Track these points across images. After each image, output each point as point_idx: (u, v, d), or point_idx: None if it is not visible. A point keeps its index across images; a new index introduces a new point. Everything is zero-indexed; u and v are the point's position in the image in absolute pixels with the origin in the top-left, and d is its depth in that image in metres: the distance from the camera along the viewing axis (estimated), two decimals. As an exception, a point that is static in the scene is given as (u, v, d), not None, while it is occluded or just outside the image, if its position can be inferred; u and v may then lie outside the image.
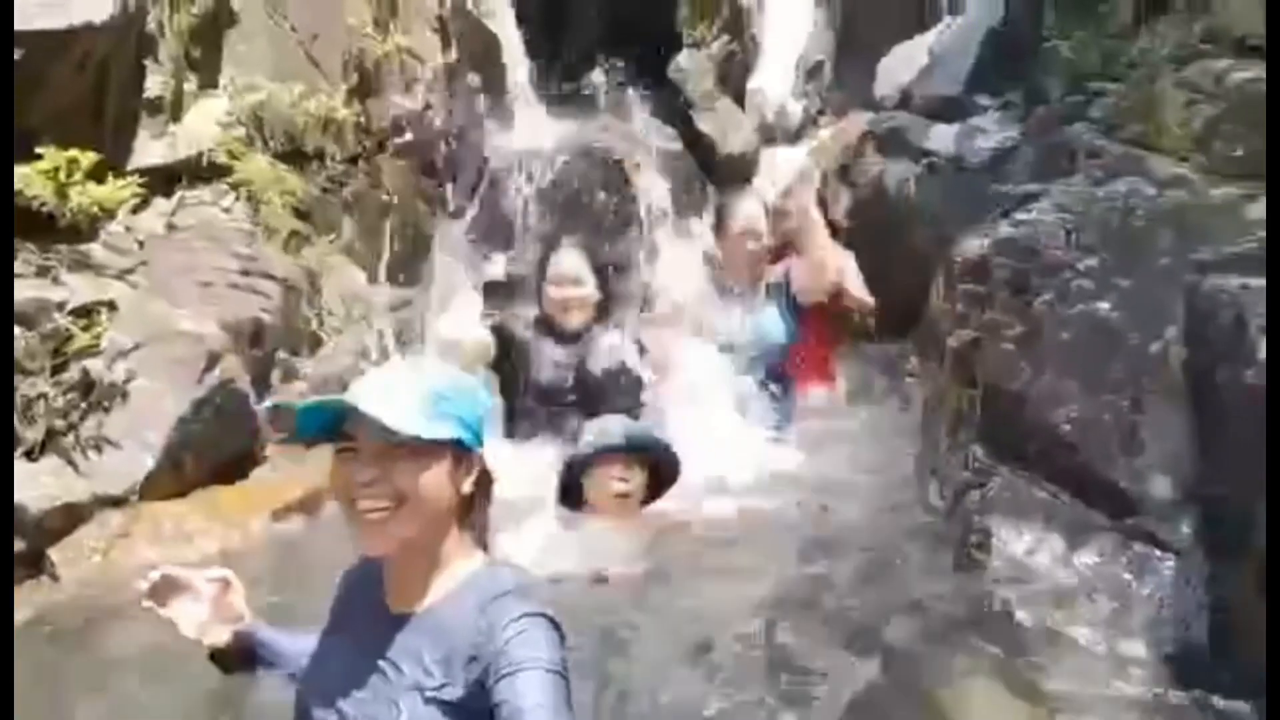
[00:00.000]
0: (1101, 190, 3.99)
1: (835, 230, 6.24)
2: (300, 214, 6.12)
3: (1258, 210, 3.68)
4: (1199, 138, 4.10)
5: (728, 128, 9.27)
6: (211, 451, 4.18)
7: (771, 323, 5.60)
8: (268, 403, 1.93)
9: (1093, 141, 5.01)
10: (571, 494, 3.92)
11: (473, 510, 1.93)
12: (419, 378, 1.89)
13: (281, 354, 4.77)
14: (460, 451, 1.88)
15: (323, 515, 4.35)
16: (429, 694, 1.77)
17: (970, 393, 4.02)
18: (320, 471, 4.50)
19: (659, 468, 3.92)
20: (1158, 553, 3.30)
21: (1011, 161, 6.58)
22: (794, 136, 9.75)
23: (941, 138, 7.19)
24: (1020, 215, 4.28)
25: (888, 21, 8.94)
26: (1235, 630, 3.15)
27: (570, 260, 5.41)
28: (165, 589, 2.12)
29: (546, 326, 5.26)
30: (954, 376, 4.18)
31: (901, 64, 8.72)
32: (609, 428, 3.98)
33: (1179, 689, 3.11)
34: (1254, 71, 4.20)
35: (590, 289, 5.31)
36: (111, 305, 4.07)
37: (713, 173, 9.07)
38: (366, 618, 1.92)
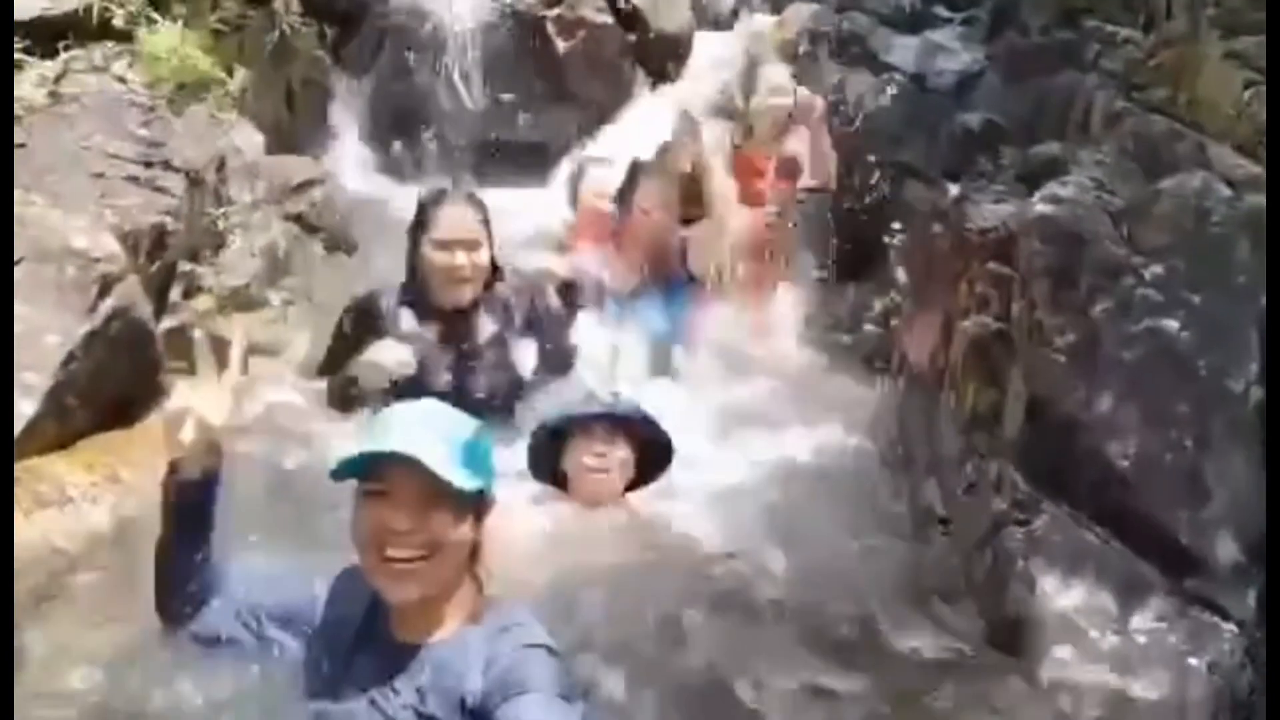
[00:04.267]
0: (1169, 181, 3.43)
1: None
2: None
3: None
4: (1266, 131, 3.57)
5: (660, 2, 8.40)
6: (102, 392, 3.37)
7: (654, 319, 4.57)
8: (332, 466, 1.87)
9: (1114, 102, 4.47)
10: (544, 466, 3.30)
11: (478, 549, 1.93)
12: (452, 426, 1.89)
13: (183, 264, 3.92)
14: (483, 499, 1.89)
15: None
16: (424, 714, 1.81)
17: (992, 393, 3.51)
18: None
19: (647, 446, 3.31)
20: (1219, 622, 2.87)
21: (976, 88, 6.06)
22: (726, 21, 8.95)
23: (902, 52, 6.58)
24: (1055, 188, 3.71)
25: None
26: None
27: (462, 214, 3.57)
28: None
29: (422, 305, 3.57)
30: (970, 369, 3.64)
31: (850, -46, 7.99)
32: (587, 392, 3.39)
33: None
34: (1332, 58, 3.67)
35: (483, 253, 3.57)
36: (-17, 212, 3.18)
37: (644, 53, 8.27)
38: (369, 643, 1.90)
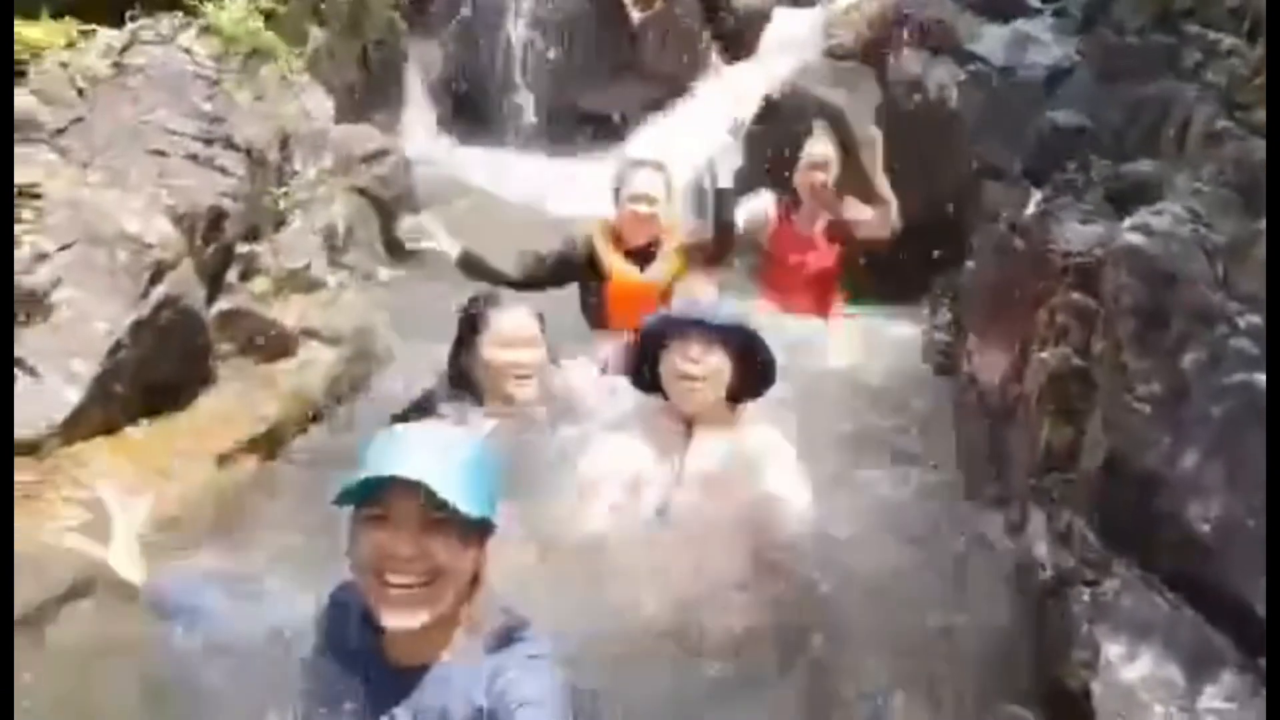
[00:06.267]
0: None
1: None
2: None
3: None
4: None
5: (742, -26, 8.11)
6: (149, 380, 3.29)
7: None
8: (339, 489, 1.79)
9: (1214, 120, 4.19)
10: (644, 372, 3.22)
11: (479, 577, 1.88)
12: (460, 449, 1.82)
13: (240, 245, 3.81)
14: (485, 526, 1.83)
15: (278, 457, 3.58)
16: None
17: (1068, 432, 3.31)
18: (278, 399, 3.61)
19: (748, 360, 3.16)
20: (1294, 705, 2.68)
21: (1065, 85, 5.78)
22: (806, -3, 8.62)
23: (989, 41, 6.29)
24: (1147, 217, 3.46)
25: None
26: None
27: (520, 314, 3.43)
28: None
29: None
30: (1045, 402, 3.44)
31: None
32: (693, 301, 3.33)
33: None
34: None
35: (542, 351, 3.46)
36: (34, 193, 3.07)
37: (722, 26, 8.02)
38: (364, 667, 1.86)
